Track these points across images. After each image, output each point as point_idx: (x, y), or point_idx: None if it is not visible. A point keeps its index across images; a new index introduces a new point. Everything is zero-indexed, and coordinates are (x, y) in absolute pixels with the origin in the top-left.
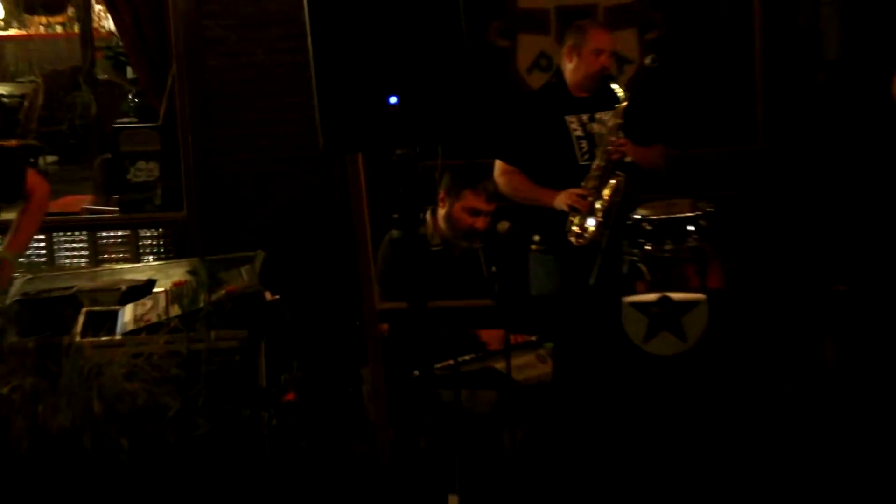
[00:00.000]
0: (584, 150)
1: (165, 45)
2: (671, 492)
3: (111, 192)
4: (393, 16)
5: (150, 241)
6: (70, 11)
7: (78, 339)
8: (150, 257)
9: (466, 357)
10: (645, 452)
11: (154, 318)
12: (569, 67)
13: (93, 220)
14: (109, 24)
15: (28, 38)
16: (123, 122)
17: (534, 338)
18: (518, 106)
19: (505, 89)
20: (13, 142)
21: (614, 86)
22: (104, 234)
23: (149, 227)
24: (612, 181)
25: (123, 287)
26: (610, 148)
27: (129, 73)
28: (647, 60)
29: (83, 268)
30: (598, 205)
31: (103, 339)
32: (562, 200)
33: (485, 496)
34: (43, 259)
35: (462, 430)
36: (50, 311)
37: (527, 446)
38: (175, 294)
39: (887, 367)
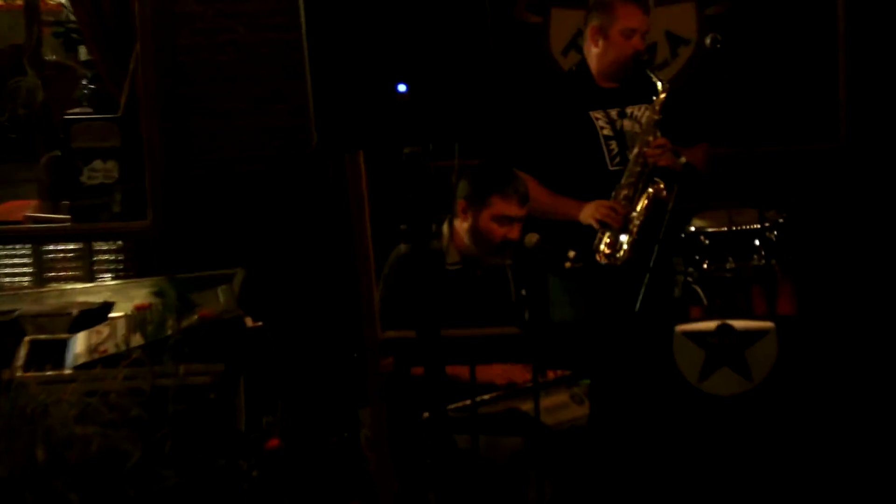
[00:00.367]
0: (615, 152)
1: (127, 19)
2: None
3: (60, 197)
4: None
5: (107, 256)
6: None
7: (19, 373)
8: (108, 275)
9: (486, 396)
10: None
11: (111, 349)
12: (594, 52)
13: (38, 230)
14: None
15: None
16: (76, 113)
17: (567, 373)
18: (532, 99)
19: (536, 74)
20: None
21: (650, 73)
22: (52, 246)
23: (106, 240)
24: (650, 190)
25: (75, 311)
26: (646, 150)
27: (83, 53)
28: (707, 40)
29: (26, 288)
30: (633, 219)
31: (50, 373)
32: (589, 214)
33: None
34: None
35: (480, 483)
36: None
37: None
38: (137, 320)
39: None
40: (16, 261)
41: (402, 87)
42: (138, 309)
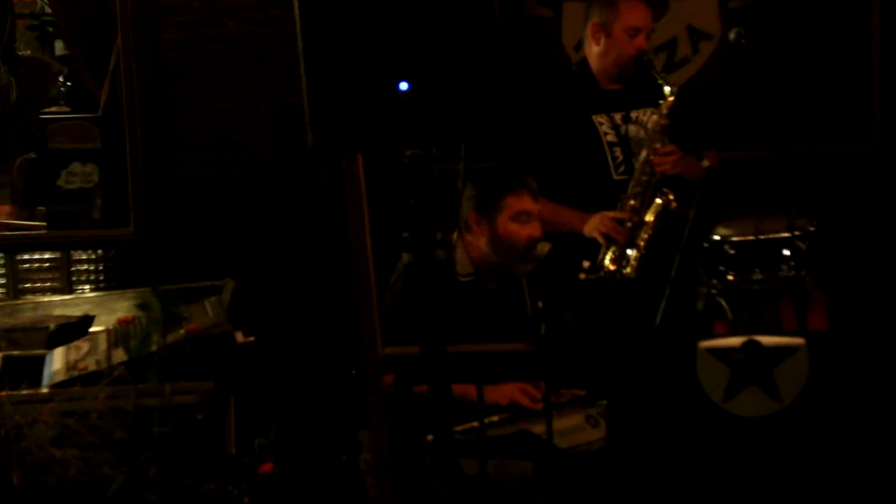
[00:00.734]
0: (619, 159)
1: (107, 11)
2: None
3: (36, 203)
4: None
5: (86, 266)
6: None
7: None
8: (87, 287)
9: (495, 418)
10: None
11: (92, 366)
12: (595, 51)
13: (12, 238)
14: None
15: None
16: (52, 112)
17: (582, 393)
18: (533, 100)
19: (544, 73)
20: None
21: (657, 76)
22: (26, 256)
23: (85, 248)
24: (658, 201)
25: (52, 325)
26: (653, 158)
27: (60, 48)
28: (732, 35)
29: None
30: (640, 233)
31: (25, 392)
32: (593, 227)
33: None
34: None
35: None
36: None
37: None
38: (120, 335)
39: None
40: None
41: (403, 86)
42: (121, 323)
